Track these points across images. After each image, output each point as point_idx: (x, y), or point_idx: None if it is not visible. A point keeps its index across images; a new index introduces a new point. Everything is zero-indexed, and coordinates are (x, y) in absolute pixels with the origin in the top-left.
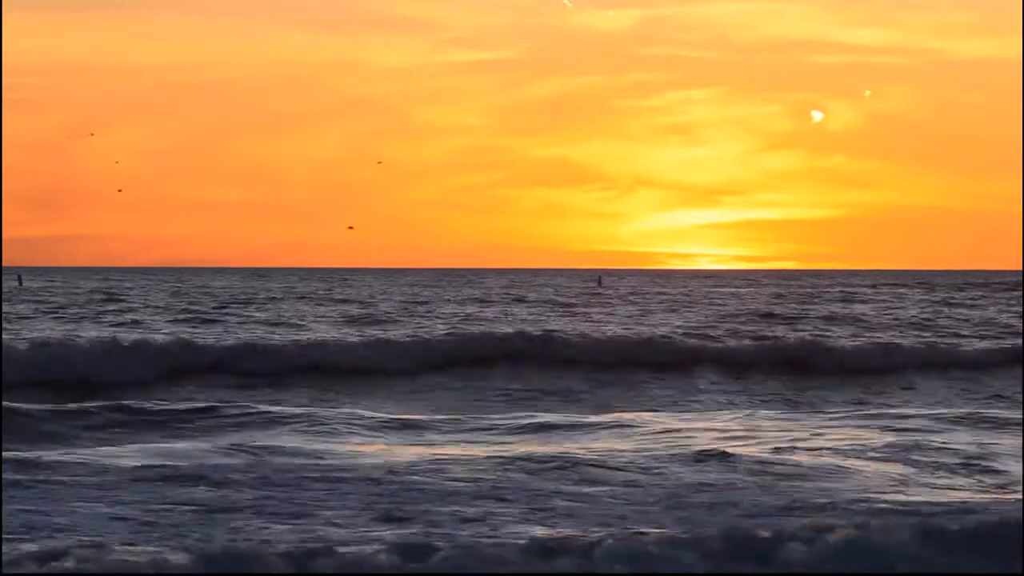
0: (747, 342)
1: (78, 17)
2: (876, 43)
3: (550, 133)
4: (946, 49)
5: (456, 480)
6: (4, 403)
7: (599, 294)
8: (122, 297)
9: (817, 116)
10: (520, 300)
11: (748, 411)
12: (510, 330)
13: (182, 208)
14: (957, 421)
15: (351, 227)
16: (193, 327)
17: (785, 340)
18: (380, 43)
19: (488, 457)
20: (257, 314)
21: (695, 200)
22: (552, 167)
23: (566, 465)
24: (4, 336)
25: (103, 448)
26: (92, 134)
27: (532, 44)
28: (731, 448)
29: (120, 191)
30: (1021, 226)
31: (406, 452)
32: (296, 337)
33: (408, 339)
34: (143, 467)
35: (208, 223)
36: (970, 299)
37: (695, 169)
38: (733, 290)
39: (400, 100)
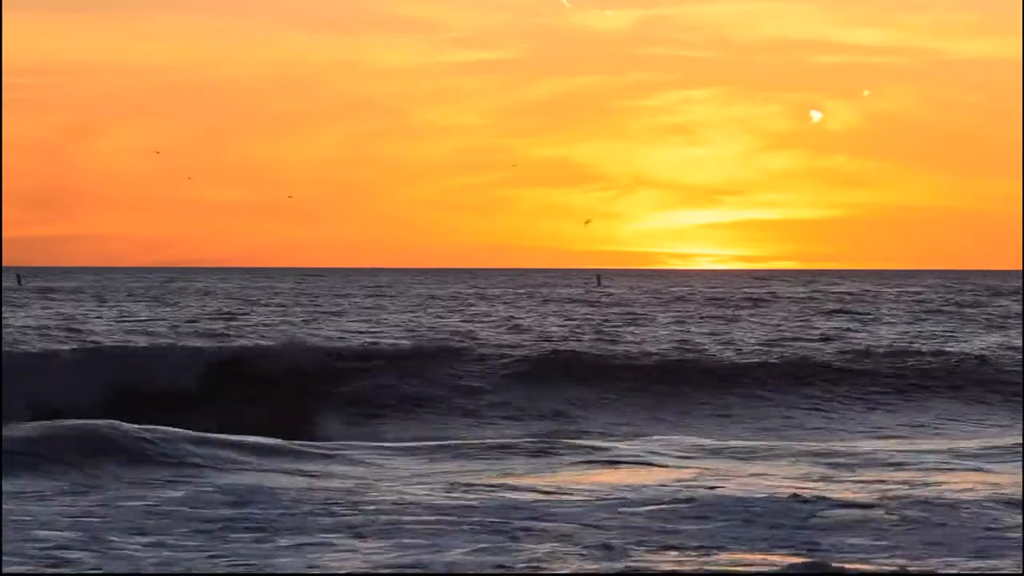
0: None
1: (78, 17)
2: (876, 43)
3: (550, 133)
4: (946, 49)
5: None
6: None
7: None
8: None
9: (816, 116)
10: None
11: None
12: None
13: (182, 208)
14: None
15: (588, 221)
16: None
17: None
18: (380, 43)
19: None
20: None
21: (695, 200)
22: (552, 167)
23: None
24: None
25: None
26: (158, 152)
27: (532, 44)
28: None
29: (158, 152)
30: (1021, 226)
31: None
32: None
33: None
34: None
35: (208, 223)
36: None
37: (695, 169)
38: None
39: (400, 100)
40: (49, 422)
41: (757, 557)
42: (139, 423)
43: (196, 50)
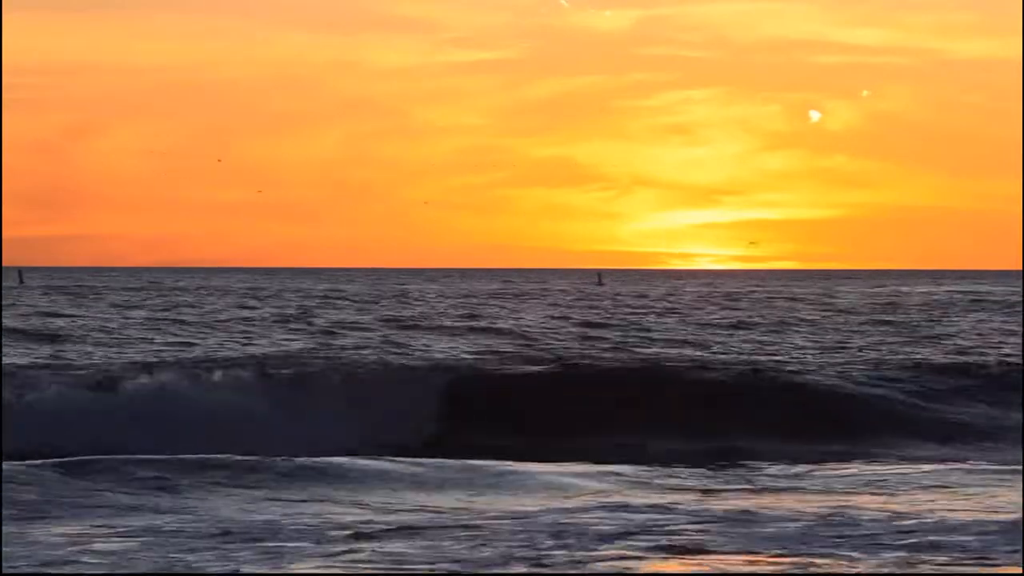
0: None
1: (78, 17)
2: (876, 43)
3: (550, 133)
4: (946, 49)
5: None
6: None
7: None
8: None
9: (815, 116)
10: None
11: None
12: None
13: (182, 208)
14: None
15: (752, 242)
16: None
17: None
18: (380, 43)
19: None
20: None
21: (695, 200)
22: (552, 167)
23: None
24: None
25: None
26: (219, 160)
27: (532, 44)
28: None
29: (219, 160)
30: (1021, 226)
31: None
32: None
33: None
34: None
35: (208, 223)
36: None
37: (695, 169)
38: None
39: (400, 100)
40: None
41: None
42: None
43: (196, 50)
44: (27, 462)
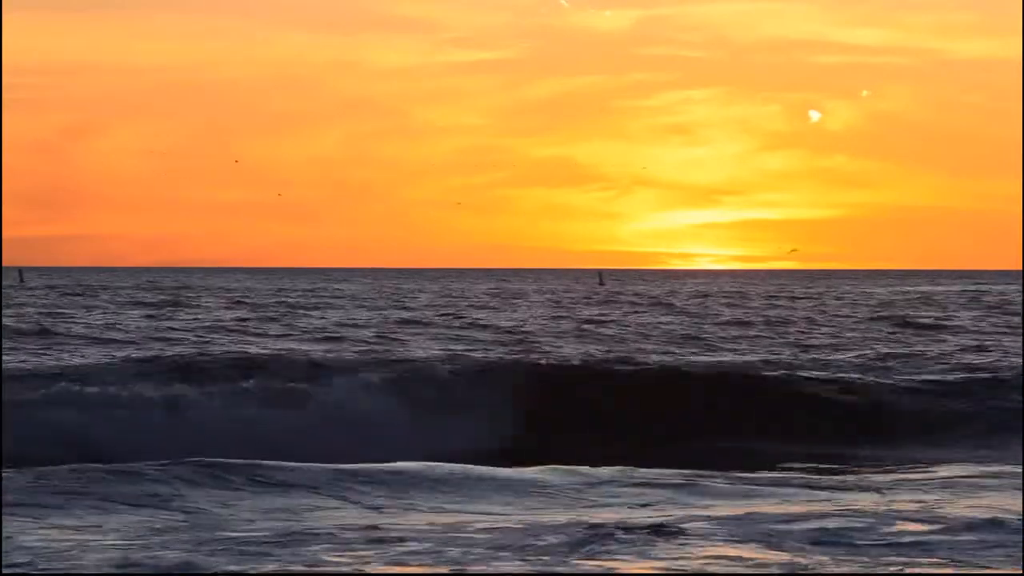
0: None
1: (78, 17)
2: (875, 43)
3: (550, 133)
4: (946, 49)
5: None
6: None
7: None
8: None
9: (814, 116)
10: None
11: None
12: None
13: (182, 208)
14: None
15: (794, 250)
16: None
17: None
18: (380, 43)
19: None
20: None
21: (695, 200)
22: (552, 167)
23: None
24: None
25: None
26: (236, 161)
27: (532, 44)
28: None
29: (236, 162)
30: (1021, 226)
31: None
32: None
33: None
34: None
35: (208, 223)
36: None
37: (695, 169)
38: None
39: (400, 100)
40: None
41: None
42: None
43: (196, 50)
44: (27, 462)
